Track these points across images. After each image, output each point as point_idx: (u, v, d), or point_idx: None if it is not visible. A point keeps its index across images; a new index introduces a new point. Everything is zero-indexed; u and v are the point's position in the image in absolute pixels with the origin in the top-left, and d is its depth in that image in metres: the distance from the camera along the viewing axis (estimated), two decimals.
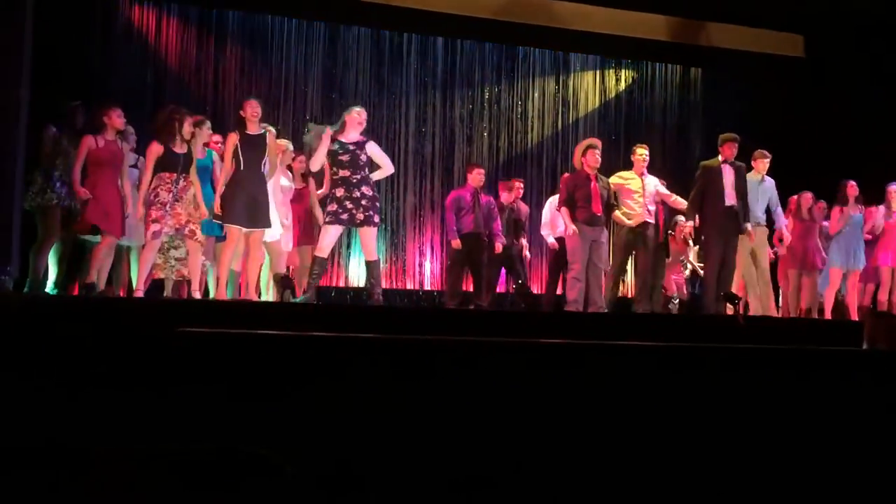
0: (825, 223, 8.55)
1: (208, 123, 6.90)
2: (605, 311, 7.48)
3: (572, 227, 7.49)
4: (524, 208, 9.19)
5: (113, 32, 9.76)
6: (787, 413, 2.52)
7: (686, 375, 2.56)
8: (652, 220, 7.85)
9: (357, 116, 6.78)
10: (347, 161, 6.66)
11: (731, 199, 7.62)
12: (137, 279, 6.50)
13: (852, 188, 8.23)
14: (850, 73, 10.62)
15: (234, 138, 6.55)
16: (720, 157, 7.74)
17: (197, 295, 6.47)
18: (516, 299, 9.78)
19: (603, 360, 2.58)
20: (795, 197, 8.70)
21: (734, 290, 7.65)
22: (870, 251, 8.36)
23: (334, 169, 6.73)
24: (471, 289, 8.69)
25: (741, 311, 7.19)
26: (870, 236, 8.35)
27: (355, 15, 10.64)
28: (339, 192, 6.63)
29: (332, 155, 6.70)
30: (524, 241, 9.13)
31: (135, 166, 6.98)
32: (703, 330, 6.63)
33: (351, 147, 6.70)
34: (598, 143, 7.82)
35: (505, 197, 8.90)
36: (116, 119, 6.58)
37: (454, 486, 2.39)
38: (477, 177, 8.42)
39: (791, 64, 11.42)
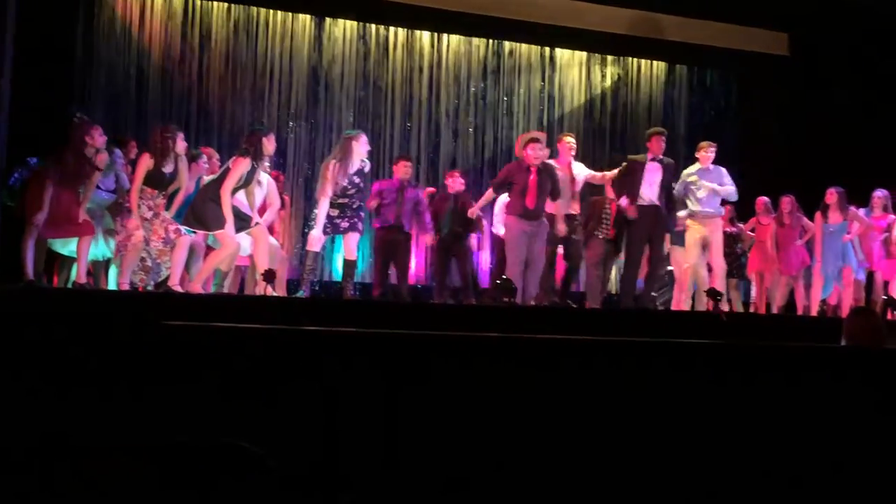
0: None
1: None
2: (537, 304, 7.31)
3: (481, 205, 7.75)
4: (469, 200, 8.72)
5: (96, 23, 9.69)
6: (764, 409, 2.54)
7: (665, 372, 2.57)
8: (576, 212, 7.80)
9: (364, 146, 7.09)
10: (353, 193, 7.03)
11: (653, 196, 7.57)
12: (120, 280, 6.50)
13: (830, 196, 8.22)
14: (835, 72, 10.69)
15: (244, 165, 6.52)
16: (648, 154, 7.67)
17: (178, 289, 6.46)
18: (496, 294, 9.75)
19: (559, 356, 2.59)
20: (763, 199, 8.76)
21: (716, 285, 7.71)
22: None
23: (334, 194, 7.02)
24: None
25: (723, 308, 7.23)
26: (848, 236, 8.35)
27: (341, 8, 10.62)
28: (334, 213, 7.03)
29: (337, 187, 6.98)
30: (475, 235, 8.93)
31: (113, 192, 6.89)
32: (684, 326, 6.67)
33: (356, 180, 7.05)
34: (542, 136, 7.71)
35: (450, 186, 8.61)
36: (97, 138, 6.62)
37: (437, 485, 2.40)
38: (403, 169, 8.11)
39: (776, 62, 11.50)
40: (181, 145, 6.61)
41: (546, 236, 7.41)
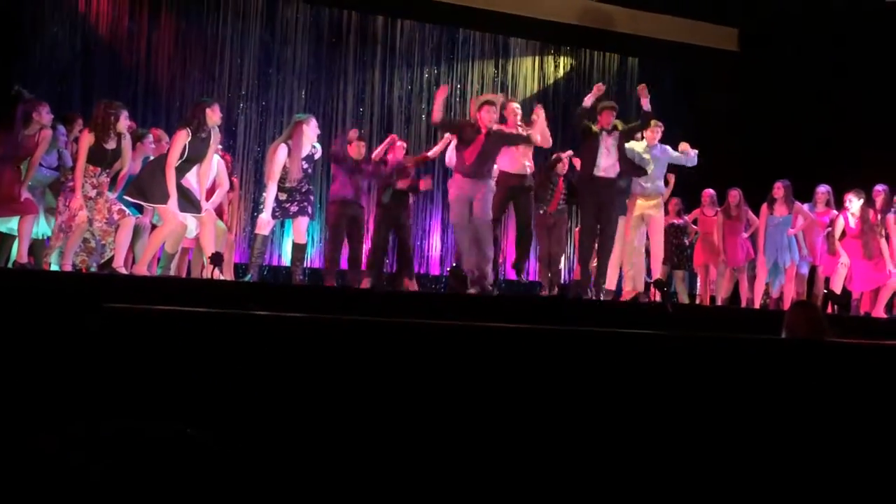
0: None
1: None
2: (492, 292, 7.07)
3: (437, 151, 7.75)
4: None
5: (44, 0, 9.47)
6: (704, 399, 2.58)
7: (612, 364, 2.60)
8: (527, 173, 7.76)
9: (314, 130, 7.00)
10: (301, 177, 6.95)
11: (609, 169, 7.51)
12: (63, 261, 6.36)
13: (777, 189, 8.35)
14: (782, 68, 10.88)
15: (184, 136, 6.40)
16: (597, 126, 7.58)
17: (123, 270, 6.36)
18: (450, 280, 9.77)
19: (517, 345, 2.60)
20: (709, 191, 8.90)
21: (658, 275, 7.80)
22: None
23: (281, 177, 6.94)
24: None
25: (668, 298, 7.31)
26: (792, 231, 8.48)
27: None
28: (282, 196, 6.95)
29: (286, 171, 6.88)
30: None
31: (56, 169, 6.75)
32: (630, 317, 6.73)
33: (305, 165, 6.98)
34: (498, 99, 7.40)
35: (392, 153, 8.24)
36: (45, 116, 6.49)
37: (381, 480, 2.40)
38: (356, 149, 7.85)
39: (726, 57, 11.67)
40: (124, 122, 6.46)
41: (491, 201, 7.09)
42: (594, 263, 7.89)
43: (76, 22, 9.70)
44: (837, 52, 10.31)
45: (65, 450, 1.64)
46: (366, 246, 8.32)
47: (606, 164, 7.51)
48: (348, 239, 7.91)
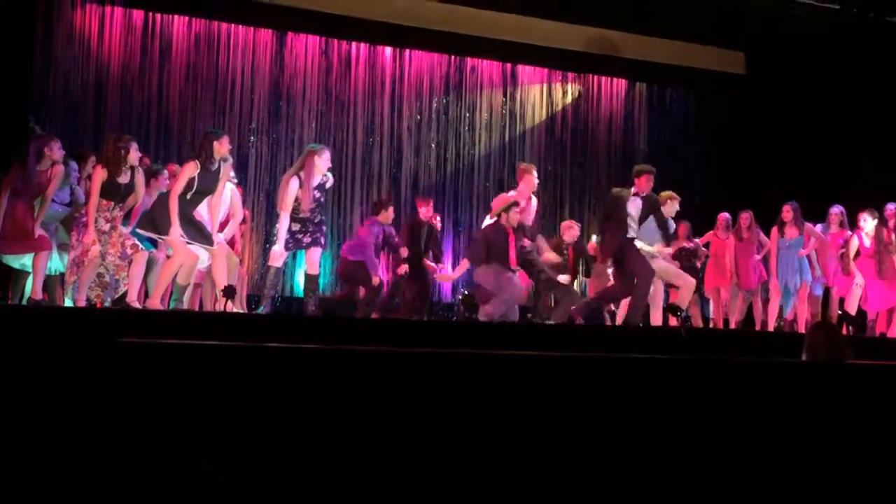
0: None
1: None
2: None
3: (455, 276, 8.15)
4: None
5: (55, 34, 9.57)
6: (724, 423, 2.56)
7: (628, 387, 2.58)
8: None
9: (326, 162, 7.00)
10: (314, 207, 6.94)
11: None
12: (77, 296, 6.38)
13: (787, 213, 8.31)
14: (790, 91, 10.89)
15: (192, 168, 6.44)
16: (633, 189, 7.49)
17: (136, 305, 6.37)
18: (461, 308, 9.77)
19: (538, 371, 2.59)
20: (725, 215, 8.87)
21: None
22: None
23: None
24: None
25: (683, 323, 7.27)
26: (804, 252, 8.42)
27: (303, 23, 10.59)
28: (295, 227, 6.92)
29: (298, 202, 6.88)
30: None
31: (68, 205, 6.80)
32: (644, 341, 6.70)
33: (317, 195, 6.97)
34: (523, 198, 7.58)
35: (423, 215, 8.67)
36: (56, 152, 6.53)
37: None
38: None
39: (733, 80, 11.69)
40: (135, 155, 6.47)
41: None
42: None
43: (88, 58, 9.79)
44: (844, 74, 10.32)
45: (85, 484, 1.63)
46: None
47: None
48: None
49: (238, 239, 7.71)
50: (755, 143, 11.30)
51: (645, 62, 11.43)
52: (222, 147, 6.49)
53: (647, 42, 11.27)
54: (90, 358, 2.43)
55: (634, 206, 7.41)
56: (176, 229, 6.26)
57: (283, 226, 6.91)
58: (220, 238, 6.74)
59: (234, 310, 6.60)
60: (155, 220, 6.38)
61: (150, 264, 6.78)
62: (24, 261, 6.63)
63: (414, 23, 10.55)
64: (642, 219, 7.52)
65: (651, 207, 7.51)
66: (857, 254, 8.28)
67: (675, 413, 2.54)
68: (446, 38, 10.77)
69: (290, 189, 6.85)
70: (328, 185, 7.15)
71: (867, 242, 8.17)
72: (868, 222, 8.16)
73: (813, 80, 10.62)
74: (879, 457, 2.63)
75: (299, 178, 6.88)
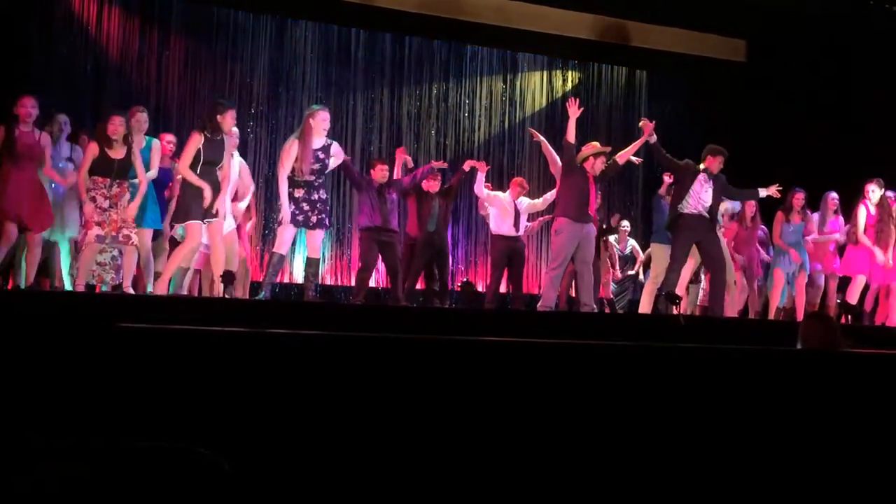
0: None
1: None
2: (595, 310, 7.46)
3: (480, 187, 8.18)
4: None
5: (53, 21, 9.53)
6: (718, 411, 2.57)
7: (621, 374, 2.59)
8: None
9: (322, 122, 6.78)
10: (317, 168, 6.74)
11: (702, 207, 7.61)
12: (76, 280, 6.38)
13: (798, 199, 8.34)
14: (790, 79, 10.86)
15: (197, 139, 6.41)
16: (702, 165, 7.70)
17: (131, 291, 6.39)
18: (461, 296, 9.79)
19: (539, 359, 2.60)
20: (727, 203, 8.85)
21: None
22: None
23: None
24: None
25: (682, 311, 7.29)
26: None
27: (303, 9, 10.56)
28: (299, 194, 6.70)
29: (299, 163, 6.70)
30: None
31: (70, 159, 6.83)
32: (642, 328, 6.72)
33: (321, 156, 6.77)
34: (606, 149, 7.87)
35: (427, 187, 8.43)
36: (30, 109, 6.42)
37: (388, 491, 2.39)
38: (380, 172, 7.87)
39: (734, 68, 11.66)
40: (120, 129, 6.41)
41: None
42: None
43: (86, 44, 9.76)
44: (845, 62, 10.29)
45: (75, 469, 1.64)
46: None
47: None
48: (385, 264, 7.98)
49: (244, 233, 7.61)
50: (755, 131, 11.27)
51: (645, 49, 11.39)
52: (225, 122, 6.46)
53: (647, 29, 11.23)
54: (87, 343, 2.44)
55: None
56: (208, 192, 6.28)
57: (283, 189, 6.74)
58: (231, 224, 6.77)
59: (233, 296, 6.61)
60: (183, 209, 6.38)
61: (156, 252, 6.85)
62: (55, 236, 6.75)
63: (413, 9, 10.51)
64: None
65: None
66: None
67: (670, 401, 2.55)
68: (446, 25, 10.73)
69: (291, 152, 6.73)
70: (332, 148, 6.96)
71: (873, 211, 8.15)
72: (875, 192, 8.15)
73: (814, 68, 10.59)
74: (875, 446, 2.64)
75: (298, 141, 6.77)
